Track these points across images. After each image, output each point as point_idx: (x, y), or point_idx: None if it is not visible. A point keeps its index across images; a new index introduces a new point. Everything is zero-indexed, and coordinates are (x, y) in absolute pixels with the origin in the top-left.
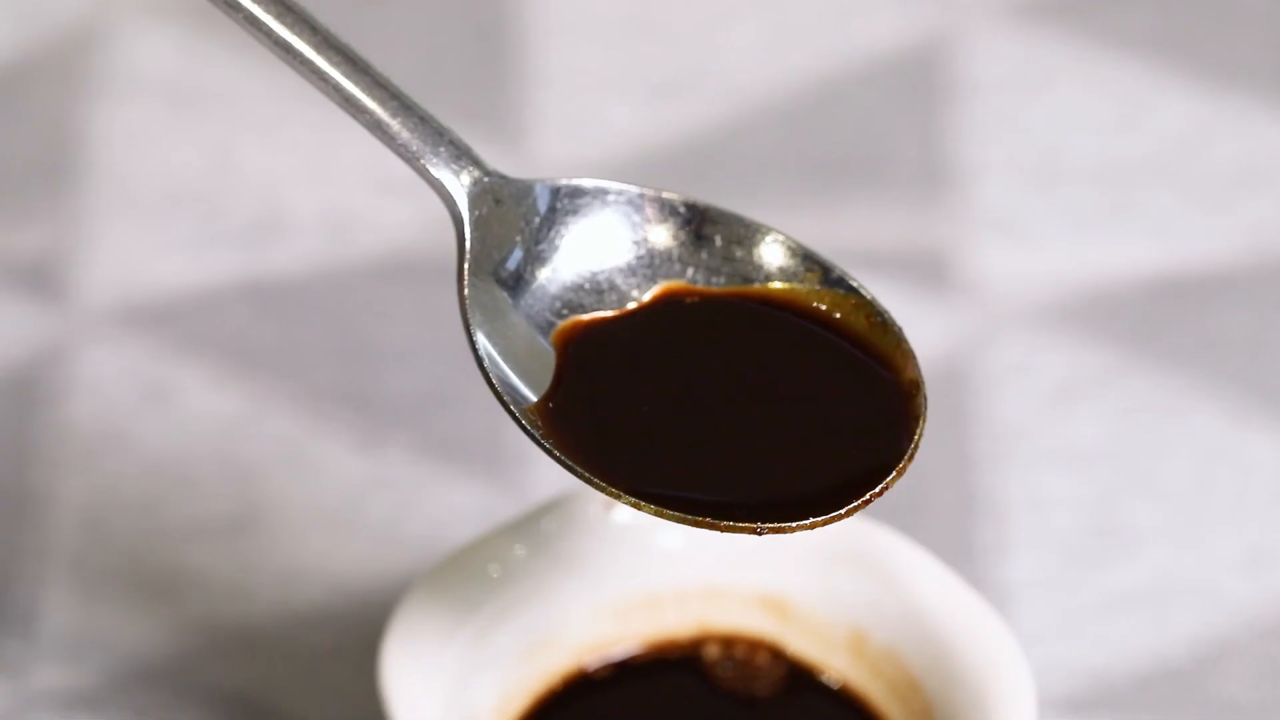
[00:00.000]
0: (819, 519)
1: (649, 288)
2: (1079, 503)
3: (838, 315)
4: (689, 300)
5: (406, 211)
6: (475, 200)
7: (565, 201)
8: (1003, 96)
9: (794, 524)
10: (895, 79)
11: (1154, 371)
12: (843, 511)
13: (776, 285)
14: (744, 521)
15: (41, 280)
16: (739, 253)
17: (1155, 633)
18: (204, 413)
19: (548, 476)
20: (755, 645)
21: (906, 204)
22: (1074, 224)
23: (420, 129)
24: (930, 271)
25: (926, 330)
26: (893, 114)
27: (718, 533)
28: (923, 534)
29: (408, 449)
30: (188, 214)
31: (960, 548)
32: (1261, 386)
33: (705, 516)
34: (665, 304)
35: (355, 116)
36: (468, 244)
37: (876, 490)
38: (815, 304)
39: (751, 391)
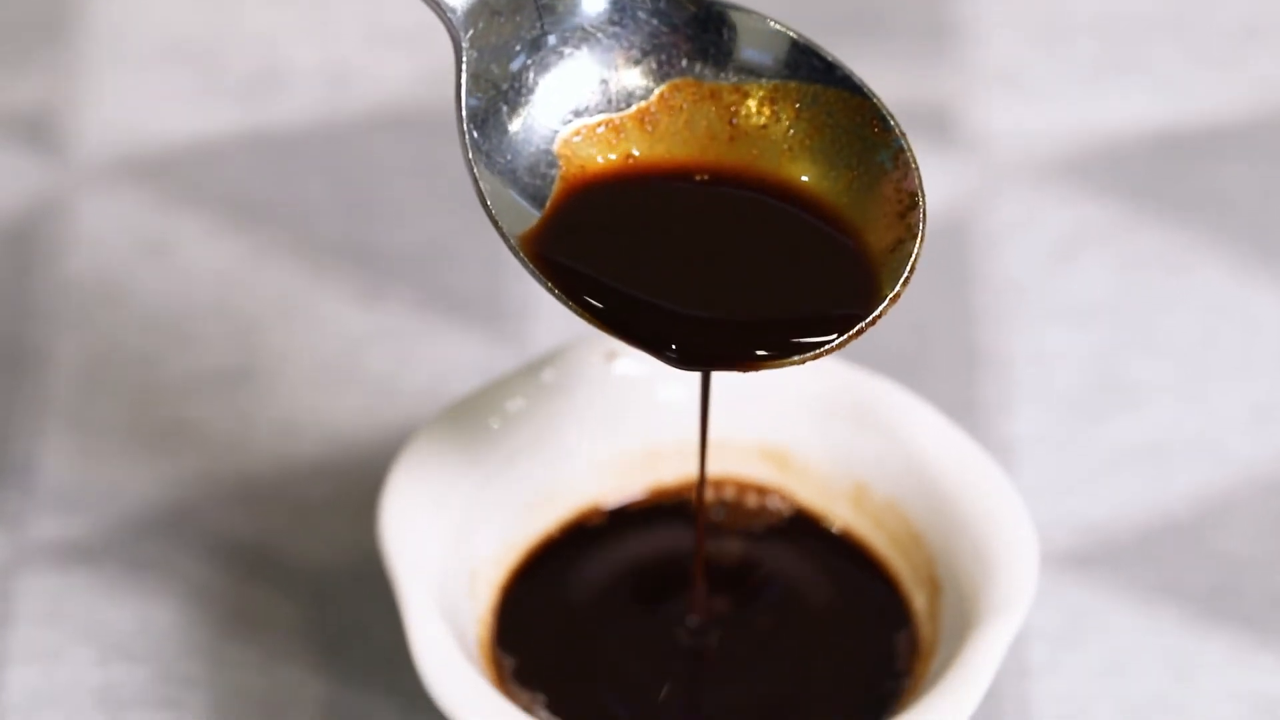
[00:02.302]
0: (815, 351)
1: (655, 86)
2: (1082, 358)
3: (827, 191)
4: (698, 178)
5: (405, 64)
6: (470, 14)
7: (565, 3)
8: None
9: (794, 357)
10: None
11: (1158, 226)
12: (842, 339)
13: (780, 83)
14: (741, 356)
15: (39, 133)
16: (745, 48)
17: (1157, 487)
18: (203, 265)
19: (548, 328)
20: (748, 489)
21: (910, 58)
22: (1079, 78)
23: None
24: (934, 126)
25: (930, 185)
26: None
27: (709, 372)
28: (925, 389)
29: (407, 301)
30: (186, 67)
31: (963, 403)
32: (1267, 241)
33: (704, 354)
34: (670, 176)
35: None
36: (464, 60)
37: (873, 316)
38: (803, 176)
39: (745, 245)
